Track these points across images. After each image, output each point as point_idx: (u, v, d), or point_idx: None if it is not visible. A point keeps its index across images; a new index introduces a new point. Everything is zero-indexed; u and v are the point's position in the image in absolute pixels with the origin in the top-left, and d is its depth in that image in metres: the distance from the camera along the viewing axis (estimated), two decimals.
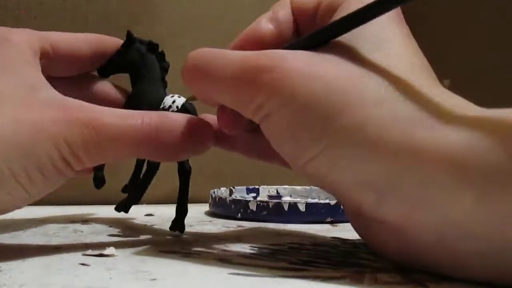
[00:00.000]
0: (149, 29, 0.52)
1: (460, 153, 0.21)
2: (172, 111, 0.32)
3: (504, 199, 0.20)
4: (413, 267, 0.24)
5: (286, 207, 0.40)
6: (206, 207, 0.45)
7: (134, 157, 0.29)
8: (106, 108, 0.27)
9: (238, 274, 0.24)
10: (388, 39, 0.26)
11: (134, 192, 0.35)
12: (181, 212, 0.34)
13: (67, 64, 0.32)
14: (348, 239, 0.32)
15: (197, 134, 0.29)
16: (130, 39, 0.34)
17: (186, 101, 0.32)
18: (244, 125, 0.29)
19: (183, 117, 0.29)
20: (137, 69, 0.34)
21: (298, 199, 0.47)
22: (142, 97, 0.33)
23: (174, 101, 0.33)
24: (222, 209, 0.43)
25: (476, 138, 0.21)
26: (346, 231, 0.36)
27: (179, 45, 0.52)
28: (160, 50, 0.35)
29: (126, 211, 0.36)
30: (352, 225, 0.27)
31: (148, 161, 0.34)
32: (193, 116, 0.30)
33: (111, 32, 0.52)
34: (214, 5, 0.54)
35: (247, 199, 0.44)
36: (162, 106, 0.33)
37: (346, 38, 0.25)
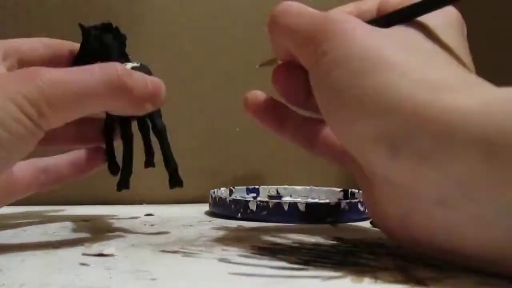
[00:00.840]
0: (149, 29, 0.52)
1: (473, 114, 0.22)
2: None
3: (508, 162, 0.21)
4: (409, 242, 0.25)
5: (286, 207, 0.40)
6: (206, 207, 0.45)
7: (96, 110, 0.30)
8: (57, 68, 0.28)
9: (238, 274, 0.24)
10: (445, 29, 0.28)
11: (126, 165, 0.35)
12: (171, 167, 0.34)
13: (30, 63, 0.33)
14: (348, 239, 0.32)
15: (152, 83, 0.30)
16: (83, 30, 0.35)
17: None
18: (294, 92, 0.31)
19: (137, 72, 0.30)
20: (101, 53, 0.35)
21: (298, 199, 0.47)
22: None
23: (126, 64, 0.33)
24: (222, 209, 0.43)
25: (490, 104, 0.22)
26: (346, 231, 0.36)
27: (179, 45, 0.53)
28: (114, 26, 0.35)
29: (127, 186, 0.36)
30: (361, 188, 0.29)
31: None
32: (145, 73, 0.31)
33: None
34: (214, 5, 0.54)
35: (247, 199, 0.44)
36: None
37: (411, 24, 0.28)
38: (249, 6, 0.54)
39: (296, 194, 0.50)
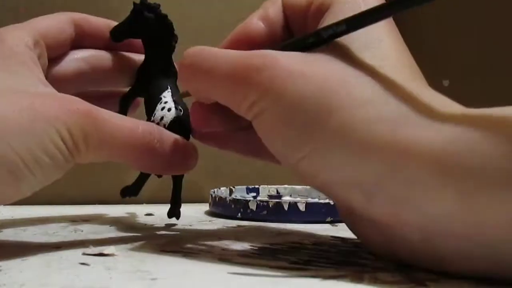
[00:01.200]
0: None
1: (442, 151, 0.22)
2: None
3: (482, 200, 0.21)
4: (401, 263, 0.25)
5: (286, 207, 0.40)
6: (206, 207, 0.45)
7: (123, 162, 0.30)
8: (105, 110, 0.28)
9: (238, 273, 0.24)
10: (378, 38, 0.26)
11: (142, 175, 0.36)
12: (176, 206, 0.36)
13: (56, 47, 0.33)
14: (348, 239, 0.32)
15: (186, 153, 0.31)
16: (137, 8, 0.35)
17: (176, 109, 0.33)
18: (216, 125, 0.30)
19: (175, 136, 0.31)
20: (148, 38, 0.36)
21: (298, 199, 0.47)
22: (152, 66, 0.36)
23: (162, 118, 0.33)
24: (222, 208, 0.43)
25: (458, 137, 0.22)
26: (346, 231, 0.36)
27: (179, 45, 0.53)
28: (169, 22, 0.36)
29: (136, 194, 0.36)
30: (344, 221, 0.27)
31: None
32: (183, 139, 0.32)
33: None
34: (214, 5, 0.54)
35: (247, 198, 0.44)
36: (152, 119, 0.33)
37: (337, 45, 0.26)
38: (249, 6, 0.54)
39: (296, 194, 0.50)
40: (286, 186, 0.50)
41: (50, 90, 0.28)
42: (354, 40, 0.26)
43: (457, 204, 0.21)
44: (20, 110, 0.25)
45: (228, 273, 0.24)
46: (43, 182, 0.26)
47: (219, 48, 0.28)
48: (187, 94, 0.32)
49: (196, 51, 0.28)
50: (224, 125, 0.31)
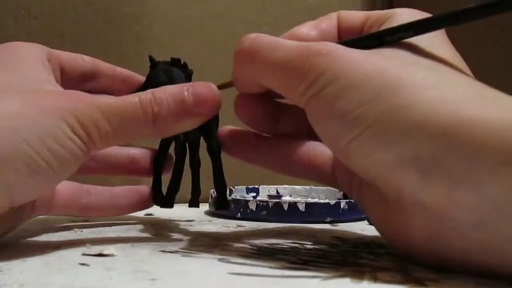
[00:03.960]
0: (149, 29, 0.52)
1: (507, 131, 0.22)
2: None
3: None
4: (436, 260, 0.24)
5: (285, 207, 0.40)
6: (206, 207, 0.45)
7: (141, 137, 0.30)
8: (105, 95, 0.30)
9: (238, 274, 0.24)
10: (433, 44, 0.27)
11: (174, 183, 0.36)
12: (221, 191, 0.36)
13: (70, 79, 0.33)
14: (348, 239, 0.32)
15: (198, 94, 0.29)
16: (152, 62, 0.35)
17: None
18: (259, 119, 0.30)
19: (174, 87, 0.29)
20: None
21: (298, 199, 0.47)
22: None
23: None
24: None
25: None
26: (346, 231, 0.36)
27: (179, 46, 0.53)
28: (182, 62, 0.35)
29: (172, 205, 0.36)
30: (375, 218, 0.27)
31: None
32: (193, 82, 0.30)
33: (111, 32, 0.52)
34: (214, 5, 0.54)
35: (247, 198, 0.44)
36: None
37: (397, 49, 0.27)
38: (249, 6, 0.54)
39: (296, 194, 0.50)
40: (286, 186, 0.50)
41: (59, 88, 0.29)
42: (413, 44, 0.27)
43: None
44: (31, 106, 0.26)
45: (228, 273, 0.24)
46: (60, 175, 0.27)
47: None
48: (229, 84, 0.31)
49: (255, 36, 0.28)
50: (265, 123, 0.31)
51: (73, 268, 0.25)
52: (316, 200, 0.48)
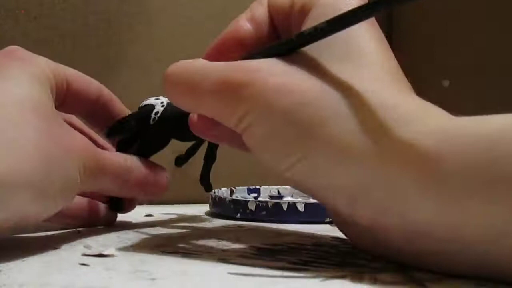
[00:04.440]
0: (149, 29, 0.52)
1: (422, 160, 0.23)
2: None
3: (462, 205, 0.22)
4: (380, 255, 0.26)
5: (285, 207, 0.40)
6: (206, 207, 0.45)
7: (109, 189, 0.34)
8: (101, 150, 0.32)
9: (238, 274, 0.24)
10: (359, 46, 0.27)
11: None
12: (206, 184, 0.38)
13: (76, 101, 0.33)
14: (347, 239, 0.32)
15: (154, 182, 0.35)
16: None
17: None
18: (219, 133, 0.30)
19: (147, 167, 0.34)
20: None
21: (299, 199, 0.47)
22: None
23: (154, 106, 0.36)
24: (222, 209, 0.43)
25: (436, 147, 0.22)
26: None
27: (179, 46, 0.53)
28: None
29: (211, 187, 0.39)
30: (334, 222, 0.28)
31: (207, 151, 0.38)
32: (155, 165, 0.35)
33: (111, 32, 0.52)
34: (214, 5, 0.54)
35: (247, 199, 0.44)
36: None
37: (319, 44, 0.26)
38: (249, 6, 0.54)
39: (297, 194, 0.49)
40: (286, 186, 0.50)
41: (67, 126, 0.30)
42: (335, 48, 0.26)
43: (437, 210, 0.22)
44: (55, 143, 0.27)
45: (228, 273, 0.24)
46: (57, 209, 0.28)
47: (199, 61, 0.29)
48: None
49: (178, 69, 0.29)
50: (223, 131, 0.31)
51: (73, 268, 0.25)
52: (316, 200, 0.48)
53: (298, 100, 0.25)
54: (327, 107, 0.25)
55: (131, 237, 0.33)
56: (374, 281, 0.23)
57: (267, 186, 0.50)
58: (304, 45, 0.27)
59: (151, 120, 0.35)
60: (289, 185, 0.28)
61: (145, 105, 0.36)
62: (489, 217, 0.21)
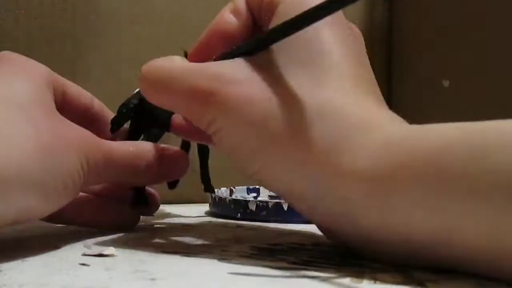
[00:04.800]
0: (149, 29, 0.52)
1: (367, 174, 0.24)
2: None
3: (406, 216, 0.23)
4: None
5: (285, 207, 0.40)
6: (206, 207, 0.45)
7: (119, 182, 0.34)
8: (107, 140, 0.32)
9: (238, 273, 0.24)
10: (321, 49, 0.27)
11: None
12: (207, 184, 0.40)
13: (71, 108, 0.33)
14: None
15: (169, 162, 0.34)
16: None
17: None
18: (198, 131, 0.30)
19: (158, 149, 0.34)
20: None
21: None
22: None
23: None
24: (222, 209, 0.43)
25: (380, 162, 0.24)
26: None
27: (179, 46, 0.53)
28: None
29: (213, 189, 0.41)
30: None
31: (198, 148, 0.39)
32: (169, 148, 0.35)
33: (111, 32, 0.52)
34: (214, 5, 0.54)
35: (247, 199, 0.44)
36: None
37: (282, 45, 0.27)
38: None
39: None
40: None
41: (67, 121, 0.30)
42: (298, 50, 0.27)
43: (381, 220, 0.24)
44: (57, 137, 0.27)
45: (228, 273, 0.24)
46: (61, 204, 0.28)
47: (172, 60, 0.29)
48: None
49: (152, 68, 0.29)
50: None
51: (73, 268, 0.25)
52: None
53: (259, 112, 0.26)
54: (285, 119, 0.26)
55: (131, 237, 0.33)
56: (374, 281, 0.23)
57: None
58: (270, 44, 0.27)
59: None
60: (260, 186, 0.29)
61: (138, 91, 0.36)
62: (434, 225, 0.22)
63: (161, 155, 0.33)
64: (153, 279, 0.23)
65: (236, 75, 0.27)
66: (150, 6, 0.52)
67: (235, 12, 0.31)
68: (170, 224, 0.38)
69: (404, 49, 0.54)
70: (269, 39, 0.27)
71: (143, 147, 0.33)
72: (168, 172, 0.34)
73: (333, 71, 0.27)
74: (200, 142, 0.37)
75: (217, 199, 0.43)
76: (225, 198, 0.43)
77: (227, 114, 0.27)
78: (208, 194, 0.45)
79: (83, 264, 0.25)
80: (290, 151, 0.26)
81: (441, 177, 0.22)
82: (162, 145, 0.34)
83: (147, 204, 0.36)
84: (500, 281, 0.22)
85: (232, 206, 0.42)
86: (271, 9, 0.29)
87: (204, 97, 0.27)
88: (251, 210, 0.41)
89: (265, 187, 0.29)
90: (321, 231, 0.29)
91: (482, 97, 0.51)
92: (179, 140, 0.37)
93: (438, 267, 0.24)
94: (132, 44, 0.51)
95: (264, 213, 0.41)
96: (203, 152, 0.39)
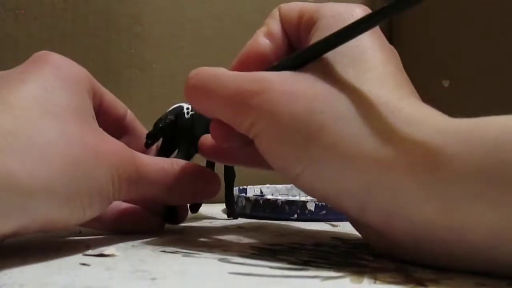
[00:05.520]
0: (149, 29, 0.52)
1: (428, 161, 0.23)
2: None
3: (463, 208, 0.22)
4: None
5: (312, 207, 0.40)
6: (205, 207, 0.45)
7: (152, 198, 0.33)
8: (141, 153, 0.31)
9: (238, 274, 0.24)
10: (363, 52, 0.27)
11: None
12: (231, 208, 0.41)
13: (106, 116, 0.33)
14: (348, 239, 0.33)
15: (204, 182, 0.34)
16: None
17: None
18: (236, 140, 0.30)
19: (194, 168, 0.33)
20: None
21: (279, 197, 0.47)
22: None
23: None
24: (270, 211, 0.42)
25: (436, 149, 0.23)
26: (346, 232, 0.36)
27: (179, 46, 0.53)
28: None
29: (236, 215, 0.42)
30: (349, 222, 0.29)
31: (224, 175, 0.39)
32: (203, 168, 0.35)
33: (111, 32, 0.52)
34: (214, 5, 0.54)
35: (288, 198, 0.44)
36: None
37: (326, 54, 0.27)
38: (249, 6, 0.54)
39: (277, 192, 0.50)
40: (268, 185, 0.50)
41: (103, 133, 0.29)
42: (342, 55, 0.27)
43: (439, 212, 0.23)
44: (89, 150, 0.27)
45: (228, 273, 0.24)
46: (86, 218, 0.27)
47: (219, 69, 0.30)
48: None
49: (198, 73, 0.30)
50: (239, 139, 0.31)
51: (73, 268, 0.25)
52: (297, 198, 0.48)
53: (304, 107, 0.26)
54: (333, 113, 0.26)
55: (132, 237, 0.33)
56: (374, 281, 0.23)
57: (252, 186, 0.50)
58: (314, 58, 0.28)
59: (185, 114, 0.36)
60: (303, 191, 0.29)
61: (174, 107, 0.36)
62: (495, 220, 0.21)
63: (197, 175, 0.33)
64: (153, 279, 0.23)
65: (282, 77, 0.28)
66: (150, 6, 0.52)
67: (268, 34, 0.31)
68: (170, 224, 0.38)
69: (404, 49, 0.54)
70: (313, 52, 0.28)
71: (179, 165, 0.32)
72: (201, 192, 0.34)
73: (377, 71, 0.27)
74: (226, 164, 0.37)
75: (261, 201, 0.43)
76: (276, 200, 0.42)
77: (270, 112, 0.27)
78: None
79: (84, 264, 0.25)
80: (339, 146, 0.25)
81: (503, 170, 0.21)
82: (196, 164, 0.34)
83: (178, 218, 0.36)
84: (500, 281, 0.22)
85: (287, 207, 0.42)
86: (311, 24, 0.29)
87: (248, 97, 0.27)
88: (310, 210, 0.41)
89: (308, 190, 0.28)
90: (366, 238, 0.28)
91: (482, 97, 0.51)
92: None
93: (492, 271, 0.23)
94: (132, 44, 0.51)
95: (324, 212, 0.40)
96: (229, 176, 0.39)
